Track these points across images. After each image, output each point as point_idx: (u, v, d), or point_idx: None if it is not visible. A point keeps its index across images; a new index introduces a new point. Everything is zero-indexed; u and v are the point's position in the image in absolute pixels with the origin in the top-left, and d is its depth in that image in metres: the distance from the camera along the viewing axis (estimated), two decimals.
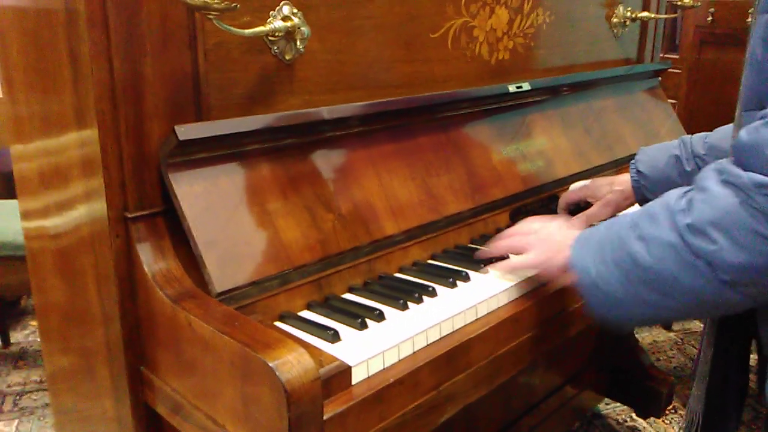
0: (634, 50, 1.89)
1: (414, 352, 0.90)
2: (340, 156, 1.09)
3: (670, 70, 2.00)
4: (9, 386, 2.29)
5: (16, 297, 2.82)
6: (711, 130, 1.25)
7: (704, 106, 3.26)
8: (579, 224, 1.33)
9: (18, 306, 2.84)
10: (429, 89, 1.27)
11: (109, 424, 1.10)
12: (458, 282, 1.06)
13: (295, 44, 1.04)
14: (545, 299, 1.07)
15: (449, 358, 0.92)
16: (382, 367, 0.86)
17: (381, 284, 1.07)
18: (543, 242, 1.02)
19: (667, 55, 3.59)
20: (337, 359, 0.82)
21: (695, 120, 3.22)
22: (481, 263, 1.11)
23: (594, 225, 0.99)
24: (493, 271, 1.09)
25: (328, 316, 0.96)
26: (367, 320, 0.93)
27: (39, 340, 2.11)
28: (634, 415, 2.08)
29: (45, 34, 0.97)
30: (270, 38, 1.02)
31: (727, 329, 1.05)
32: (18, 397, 2.22)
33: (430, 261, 1.17)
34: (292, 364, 0.72)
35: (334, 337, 0.88)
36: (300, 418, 0.72)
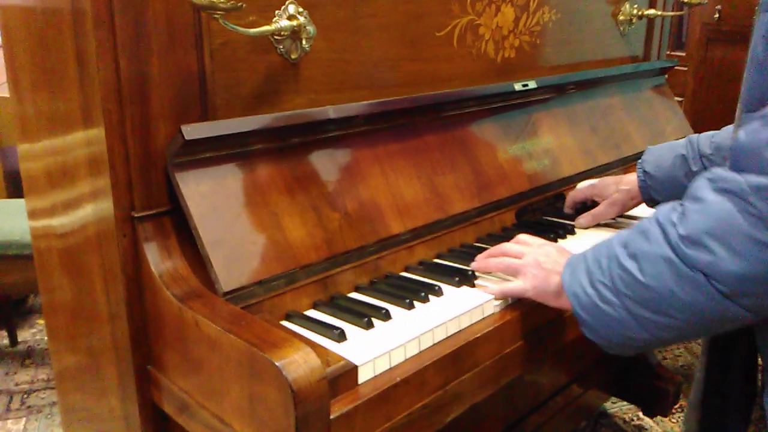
0: (641, 48, 1.88)
1: (420, 352, 0.90)
2: (346, 155, 1.09)
3: (676, 67, 1.99)
4: (17, 385, 2.30)
5: (24, 296, 2.83)
6: (717, 128, 1.24)
7: (711, 104, 3.25)
8: (585, 222, 1.32)
9: (25, 305, 2.86)
10: (434, 88, 1.27)
11: (116, 422, 1.10)
12: (464, 281, 1.06)
13: (301, 43, 1.04)
14: None
15: (456, 358, 0.92)
16: (388, 367, 0.86)
17: (387, 283, 1.07)
18: (535, 266, 0.99)
19: (673, 53, 3.58)
20: (343, 358, 0.82)
21: (702, 118, 3.21)
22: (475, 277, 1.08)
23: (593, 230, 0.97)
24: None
25: (334, 315, 0.96)
26: (374, 319, 0.93)
27: (46, 338, 2.13)
28: (640, 414, 2.08)
29: (51, 33, 0.97)
30: (275, 37, 1.02)
31: (719, 338, 1.04)
32: (25, 396, 2.23)
33: (436, 260, 1.16)
34: (298, 364, 0.72)
35: (340, 336, 0.88)
36: (307, 418, 0.72)
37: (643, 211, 1.35)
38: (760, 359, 1.01)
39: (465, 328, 0.96)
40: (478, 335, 0.95)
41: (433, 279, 1.07)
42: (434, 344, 0.92)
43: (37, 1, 1.00)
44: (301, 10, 1.03)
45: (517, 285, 1.01)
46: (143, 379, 0.98)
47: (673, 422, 2.07)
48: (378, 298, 1.01)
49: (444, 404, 0.92)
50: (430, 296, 1.00)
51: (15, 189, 2.72)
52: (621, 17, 1.75)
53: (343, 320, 0.94)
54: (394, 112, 1.16)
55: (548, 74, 1.54)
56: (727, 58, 3.17)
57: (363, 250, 1.05)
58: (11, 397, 2.22)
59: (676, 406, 2.07)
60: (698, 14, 3.23)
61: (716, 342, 1.03)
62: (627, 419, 2.09)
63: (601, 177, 1.42)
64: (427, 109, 1.22)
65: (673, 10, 1.91)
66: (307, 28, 1.03)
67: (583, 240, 1.27)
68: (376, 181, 1.11)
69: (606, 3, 1.70)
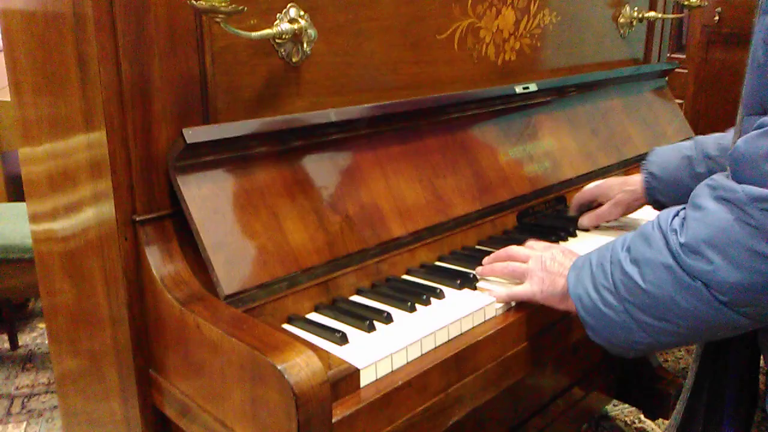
0: (641, 50, 1.88)
1: (422, 355, 0.90)
2: (347, 158, 1.09)
3: (676, 70, 1.99)
4: (17, 388, 2.29)
5: (24, 299, 2.83)
6: (718, 130, 1.23)
7: (711, 106, 3.25)
8: (588, 222, 1.32)
9: (26, 308, 2.85)
10: (435, 91, 1.27)
11: (118, 426, 1.10)
12: (466, 283, 1.05)
13: (302, 47, 1.04)
14: None
15: (457, 360, 0.92)
16: (390, 370, 0.86)
17: (388, 286, 1.06)
18: (542, 270, 1.00)
19: (673, 55, 3.59)
20: (345, 362, 0.82)
21: (702, 120, 3.21)
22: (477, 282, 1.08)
23: (598, 231, 0.97)
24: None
25: (335, 318, 0.96)
26: (375, 322, 0.93)
27: (47, 342, 2.12)
28: (642, 417, 2.07)
29: (53, 37, 0.97)
30: (277, 41, 1.02)
31: (712, 344, 1.03)
32: (26, 400, 2.22)
33: (437, 263, 1.16)
34: (300, 367, 0.72)
35: (342, 339, 0.88)
36: (309, 421, 0.72)
37: (647, 213, 1.34)
38: (762, 362, 1.01)
39: (467, 330, 0.96)
40: (480, 338, 0.95)
41: (434, 282, 1.07)
42: (436, 347, 0.91)
43: (38, 5, 1.00)
44: (302, 13, 1.03)
45: (524, 289, 1.01)
46: (144, 382, 0.98)
47: None
48: (379, 301, 1.00)
49: (446, 407, 0.91)
50: (432, 299, 1.00)
51: (16, 192, 2.72)
52: (621, 20, 1.75)
53: (345, 323, 0.94)
54: (395, 115, 1.16)
55: (549, 77, 1.54)
56: (728, 60, 3.17)
57: (364, 253, 1.05)
58: (12, 401, 2.21)
59: None
60: (699, 17, 3.24)
61: (709, 348, 1.03)
62: (629, 422, 2.08)
63: (602, 179, 1.42)
64: (428, 112, 1.23)
65: (673, 13, 1.91)
66: (309, 31, 1.04)
67: (585, 243, 1.27)
68: (377, 184, 1.11)
69: (606, 5, 1.70)
